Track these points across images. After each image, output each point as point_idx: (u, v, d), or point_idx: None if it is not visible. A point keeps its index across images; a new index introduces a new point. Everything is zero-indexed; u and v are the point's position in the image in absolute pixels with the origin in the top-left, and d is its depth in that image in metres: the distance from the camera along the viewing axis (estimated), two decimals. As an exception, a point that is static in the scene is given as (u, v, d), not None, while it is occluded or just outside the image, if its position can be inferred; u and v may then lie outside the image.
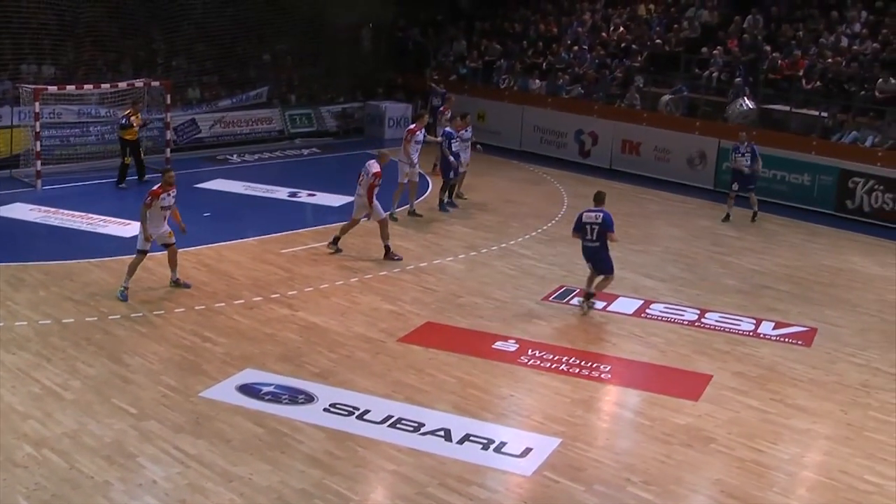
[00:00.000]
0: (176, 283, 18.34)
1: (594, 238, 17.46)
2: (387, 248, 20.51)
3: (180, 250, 18.56)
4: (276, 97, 35.66)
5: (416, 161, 23.73)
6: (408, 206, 23.90)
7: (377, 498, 11.70)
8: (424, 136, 24.38)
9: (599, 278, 17.78)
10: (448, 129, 25.44)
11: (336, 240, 20.78)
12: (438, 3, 40.74)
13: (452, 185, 25.20)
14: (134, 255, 17.82)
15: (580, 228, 17.66)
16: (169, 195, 17.85)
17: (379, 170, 20.39)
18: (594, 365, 15.50)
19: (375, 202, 20.25)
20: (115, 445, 12.31)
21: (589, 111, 32.25)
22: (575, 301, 18.28)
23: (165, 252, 18.17)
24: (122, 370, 14.62)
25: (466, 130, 25.54)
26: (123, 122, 26.75)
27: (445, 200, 24.88)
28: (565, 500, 11.48)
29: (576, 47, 34.96)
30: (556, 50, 35.50)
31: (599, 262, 17.64)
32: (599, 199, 17.87)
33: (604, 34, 35.28)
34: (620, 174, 30.47)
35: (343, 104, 36.63)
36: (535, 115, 33.53)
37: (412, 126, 24.76)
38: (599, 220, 17.43)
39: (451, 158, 24.42)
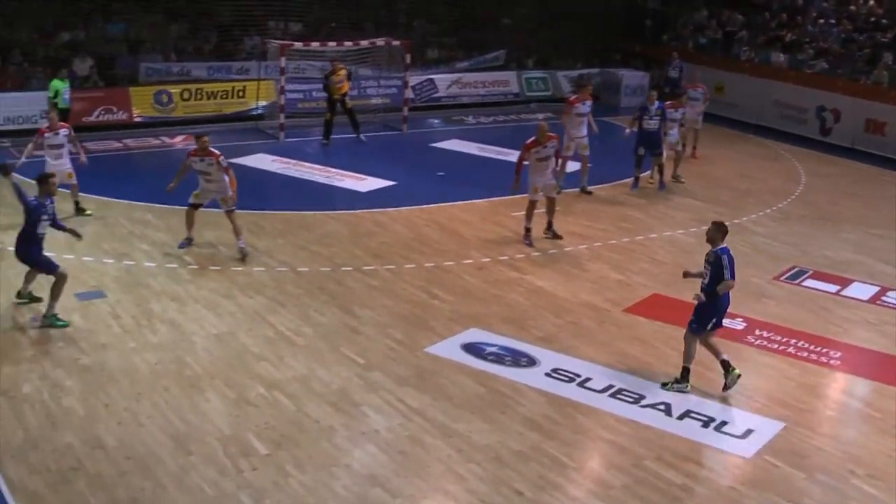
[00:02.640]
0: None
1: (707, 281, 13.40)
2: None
3: (413, 207, 18.82)
4: (513, 60, 35.77)
5: (579, 134, 22.82)
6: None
7: (593, 466, 11.69)
8: (590, 108, 23.22)
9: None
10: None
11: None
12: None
13: (660, 164, 23.83)
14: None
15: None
16: (202, 160, 17.64)
17: (529, 142, 19.34)
18: (823, 350, 15.04)
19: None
20: (341, 393, 12.70)
21: (832, 87, 31.14)
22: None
23: (397, 210, 18.46)
24: (352, 321, 15.04)
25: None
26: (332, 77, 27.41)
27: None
28: (784, 487, 11.20)
29: (821, 20, 33.80)
30: (801, 22, 34.41)
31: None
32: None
33: (852, 7, 33.99)
34: (863, 154, 29.36)
35: (580, 70, 36.43)
36: (775, 89, 32.58)
37: (572, 97, 23.91)
38: (711, 260, 13.34)
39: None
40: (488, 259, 18.20)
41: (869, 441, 12.38)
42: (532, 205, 19.34)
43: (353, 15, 34.05)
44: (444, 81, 33.42)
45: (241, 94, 29.51)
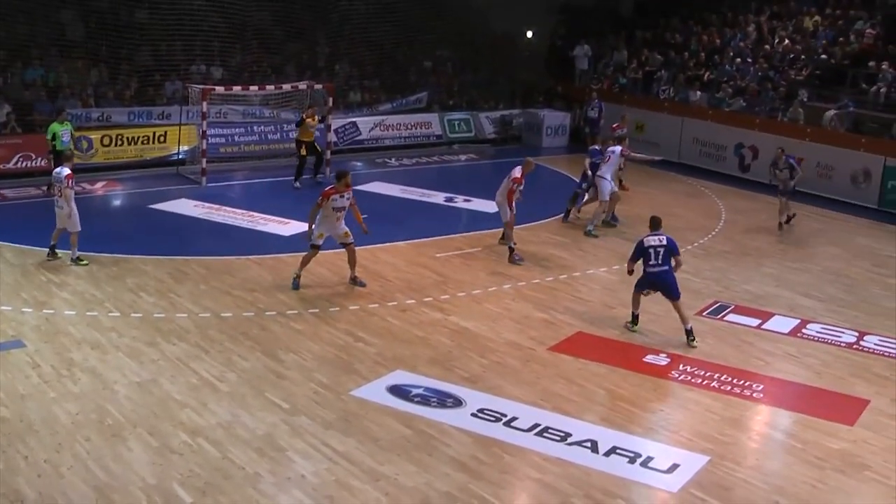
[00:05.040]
0: (353, 281, 18.75)
1: (661, 262, 16.63)
2: (510, 249, 21.02)
3: (336, 250, 18.86)
4: (435, 102, 35.98)
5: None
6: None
7: (521, 505, 11.72)
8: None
9: (675, 305, 16.84)
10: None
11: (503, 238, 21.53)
12: (599, 11, 40.45)
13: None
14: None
15: (642, 254, 16.80)
16: (342, 197, 18.25)
17: (519, 175, 20.97)
18: (746, 383, 15.20)
19: (506, 205, 21.00)
20: (266, 438, 12.58)
21: (750, 125, 31.68)
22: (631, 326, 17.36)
23: (320, 253, 18.51)
24: (277, 365, 14.94)
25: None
26: (298, 121, 27.53)
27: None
28: (712, 519, 11.31)
29: (738, 59, 34.40)
30: (719, 62, 35.02)
31: (669, 287, 16.70)
32: (656, 224, 17.10)
33: (767, 46, 34.64)
34: (781, 190, 29.87)
35: (502, 111, 36.72)
36: (694, 127, 33.10)
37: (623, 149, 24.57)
38: (665, 243, 16.69)
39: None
40: (413, 301, 18.19)
41: (793, 472, 12.51)
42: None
43: (274, 59, 34.04)
44: (366, 124, 33.47)
45: (162, 139, 29.29)
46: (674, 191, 29.16)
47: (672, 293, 16.71)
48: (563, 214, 24.71)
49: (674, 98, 34.78)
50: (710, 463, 12.54)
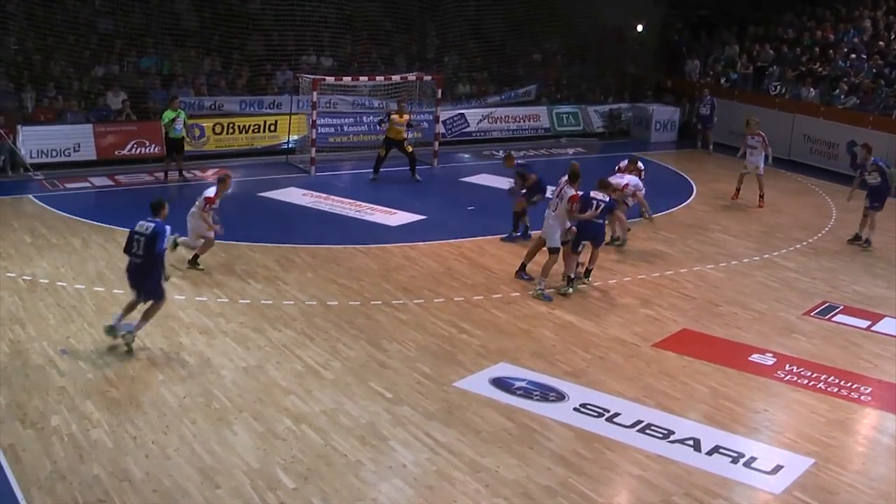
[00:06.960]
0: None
1: (601, 216, 18.28)
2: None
3: (443, 241, 18.87)
4: (544, 95, 35.85)
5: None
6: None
7: (621, 502, 11.65)
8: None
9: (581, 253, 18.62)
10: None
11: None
12: (711, 5, 39.88)
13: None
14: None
15: (589, 205, 18.08)
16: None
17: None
18: (854, 385, 14.94)
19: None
20: (368, 427, 12.69)
21: (864, 122, 30.97)
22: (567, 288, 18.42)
23: (426, 244, 18.49)
24: (381, 355, 15.06)
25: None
26: (381, 118, 27.76)
27: None
28: (815, 523, 11.15)
29: (853, 55, 33.69)
30: (832, 58, 34.34)
31: (599, 236, 18.68)
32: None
33: (882, 42, 33.85)
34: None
35: (610, 105, 36.48)
36: (806, 123, 32.48)
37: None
38: (608, 200, 18.41)
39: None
40: (517, 293, 18.19)
41: (900, 478, 12.28)
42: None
43: (384, 50, 34.27)
44: (474, 116, 33.49)
45: (272, 128, 29.70)
46: (783, 188, 28.68)
47: (599, 241, 18.77)
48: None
49: (785, 94, 34.19)
50: (814, 465, 12.37)
